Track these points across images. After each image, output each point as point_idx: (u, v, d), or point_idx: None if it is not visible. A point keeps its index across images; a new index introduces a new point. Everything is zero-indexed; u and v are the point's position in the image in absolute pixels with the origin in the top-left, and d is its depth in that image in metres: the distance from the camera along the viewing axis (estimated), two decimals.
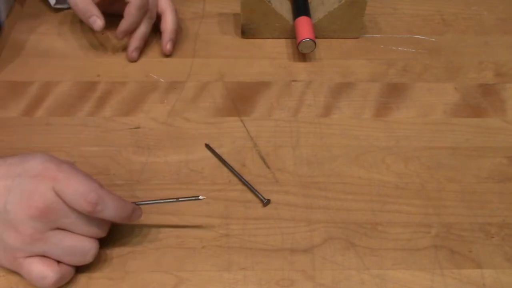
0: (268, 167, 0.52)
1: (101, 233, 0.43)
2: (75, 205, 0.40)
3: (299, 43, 0.60)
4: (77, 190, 0.40)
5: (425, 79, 0.61)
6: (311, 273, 0.45)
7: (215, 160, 0.53)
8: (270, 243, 0.47)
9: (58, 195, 0.40)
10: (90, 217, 0.42)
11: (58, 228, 0.41)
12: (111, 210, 0.41)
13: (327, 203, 0.50)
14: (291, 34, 0.64)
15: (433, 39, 0.66)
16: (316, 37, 0.61)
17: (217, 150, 0.53)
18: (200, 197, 0.46)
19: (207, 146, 0.53)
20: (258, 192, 0.50)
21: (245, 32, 0.65)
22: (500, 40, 0.67)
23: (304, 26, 0.61)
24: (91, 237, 0.43)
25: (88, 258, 0.43)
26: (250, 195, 0.50)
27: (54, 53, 0.62)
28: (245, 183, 0.50)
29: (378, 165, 0.53)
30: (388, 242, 0.47)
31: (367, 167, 0.53)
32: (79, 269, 0.44)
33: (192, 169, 0.52)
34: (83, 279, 0.44)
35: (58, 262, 0.42)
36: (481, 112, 0.58)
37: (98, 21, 0.58)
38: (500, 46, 0.66)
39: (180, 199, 0.47)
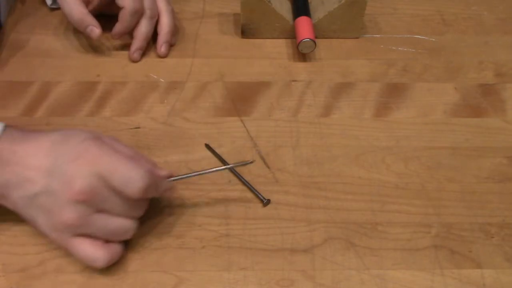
0: (268, 167, 0.52)
1: (141, 213, 0.45)
2: (122, 190, 0.41)
3: (299, 43, 0.60)
4: (125, 176, 0.41)
5: (425, 79, 0.61)
6: (311, 273, 0.45)
7: (215, 160, 0.53)
8: (270, 243, 0.47)
9: (103, 179, 0.40)
10: (130, 199, 0.42)
11: (101, 210, 0.42)
12: (157, 190, 0.44)
13: (327, 203, 0.50)
14: (291, 34, 0.64)
15: (433, 39, 0.66)
16: (316, 37, 0.61)
17: (217, 150, 0.53)
18: (250, 161, 0.47)
19: (207, 146, 0.53)
20: (258, 192, 0.50)
21: (245, 32, 0.65)
22: (500, 40, 0.67)
23: (304, 26, 0.61)
24: (132, 217, 0.44)
25: (129, 236, 0.44)
26: (250, 195, 0.50)
27: (54, 53, 0.62)
28: (245, 183, 0.50)
29: (378, 165, 0.53)
30: (388, 242, 0.47)
31: (367, 167, 0.53)
32: (79, 269, 0.44)
33: (192, 169, 0.52)
34: (83, 279, 0.44)
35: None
36: (481, 112, 0.58)
37: (95, 30, 0.58)
38: (500, 46, 0.66)
39: (231, 166, 0.48)
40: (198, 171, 0.47)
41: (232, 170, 0.51)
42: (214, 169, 0.47)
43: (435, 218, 0.49)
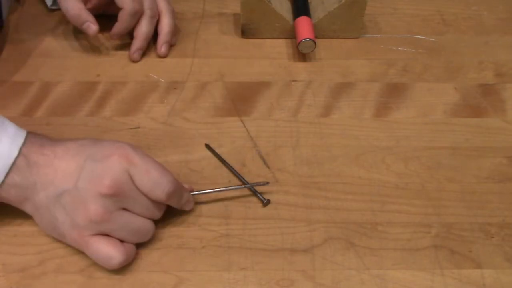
0: (268, 167, 0.52)
1: (159, 215, 0.45)
2: (149, 192, 0.42)
3: (299, 43, 0.60)
4: (155, 179, 0.42)
5: (425, 79, 0.61)
6: (311, 273, 0.45)
7: (215, 160, 0.53)
8: (270, 243, 0.47)
9: (131, 178, 0.42)
10: (153, 201, 0.43)
11: (124, 209, 0.43)
12: (178, 200, 0.45)
13: (327, 203, 0.50)
14: (291, 34, 0.64)
15: (433, 39, 0.66)
16: (316, 37, 0.61)
17: (217, 150, 0.53)
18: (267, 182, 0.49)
19: (207, 146, 0.53)
20: (258, 192, 0.50)
21: (245, 32, 0.65)
22: (500, 40, 0.67)
23: (304, 26, 0.61)
24: (151, 218, 0.45)
25: (149, 237, 0.45)
26: (250, 195, 0.50)
27: (54, 53, 0.62)
28: (245, 183, 0.50)
29: (378, 165, 0.53)
30: (388, 242, 0.47)
31: (367, 167, 0.53)
32: (80, 269, 0.44)
33: (192, 169, 0.52)
34: (83, 279, 0.44)
35: (121, 241, 0.43)
36: (481, 112, 0.58)
37: (92, 26, 0.58)
38: (500, 46, 0.66)
39: (250, 185, 0.49)
40: (217, 188, 0.49)
41: (232, 170, 0.51)
42: (233, 187, 0.49)
43: (435, 218, 0.49)
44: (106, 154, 0.42)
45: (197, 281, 0.44)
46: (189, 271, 0.45)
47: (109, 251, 0.42)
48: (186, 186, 0.47)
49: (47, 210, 0.42)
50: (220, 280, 0.45)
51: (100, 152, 0.42)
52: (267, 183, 0.50)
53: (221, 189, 0.49)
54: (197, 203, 0.49)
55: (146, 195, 0.43)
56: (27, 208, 0.44)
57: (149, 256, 0.46)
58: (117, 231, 0.43)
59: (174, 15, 0.63)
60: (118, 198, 0.41)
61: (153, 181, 0.42)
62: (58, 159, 0.42)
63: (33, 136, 0.43)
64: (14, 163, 0.41)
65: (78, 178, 0.41)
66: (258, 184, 0.49)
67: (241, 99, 0.58)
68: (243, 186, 0.50)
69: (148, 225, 0.45)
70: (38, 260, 0.45)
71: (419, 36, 0.67)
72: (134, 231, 0.44)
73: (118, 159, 0.41)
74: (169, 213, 0.48)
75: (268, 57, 0.63)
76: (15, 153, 0.41)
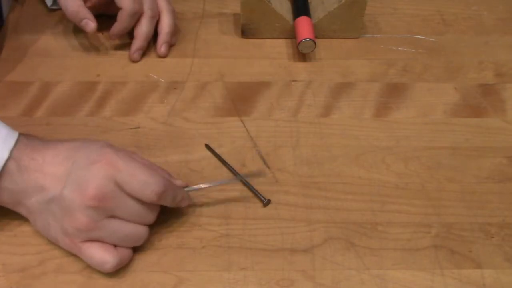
0: (268, 167, 0.52)
1: (152, 220, 0.45)
2: (139, 195, 0.42)
3: (299, 43, 0.60)
4: (143, 181, 0.41)
5: (425, 79, 0.61)
6: (311, 273, 0.45)
7: (215, 160, 0.53)
8: (270, 243, 0.47)
9: (118, 184, 0.41)
10: (143, 205, 0.43)
11: (113, 216, 0.42)
12: (172, 198, 0.44)
13: (327, 203, 0.50)
14: (291, 34, 0.64)
15: (433, 39, 0.66)
16: (316, 37, 0.61)
17: (217, 150, 0.53)
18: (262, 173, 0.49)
19: (207, 146, 0.53)
20: (258, 192, 0.50)
21: (245, 32, 0.65)
22: (500, 40, 0.67)
23: (304, 26, 0.61)
24: (143, 223, 0.44)
25: (141, 242, 0.45)
26: (250, 195, 0.50)
27: (54, 53, 0.62)
28: (245, 183, 0.50)
29: (378, 165, 0.53)
30: (388, 242, 0.47)
31: (367, 167, 0.53)
32: (80, 269, 0.44)
33: (192, 169, 0.52)
34: (83, 279, 0.44)
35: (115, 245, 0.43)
36: (481, 112, 0.58)
37: (90, 24, 0.58)
38: (500, 46, 0.66)
39: (244, 176, 0.49)
40: (211, 183, 0.48)
41: (232, 170, 0.51)
42: (227, 180, 0.49)
43: (435, 218, 0.49)
44: (91, 161, 0.41)
45: (197, 281, 0.44)
46: (189, 271, 0.45)
47: (103, 256, 0.42)
48: (179, 182, 0.47)
49: (40, 215, 0.43)
50: (220, 280, 0.45)
51: (86, 158, 0.42)
52: (262, 173, 0.49)
53: (215, 183, 0.48)
54: (197, 203, 0.49)
55: (137, 199, 0.42)
56: (22, 211, 0.44)
57: (149, 256, 0.46)
58: (107, 238, 0.42)
59: (174, 15, 0.63)
60: (103, 208, 0.41)
61: (141, 184, 0.41)
62: (46, 163, 0.42)
63: (25, 138, 0.43)
64: (4, 167, 0.41)
65: (64, 185, 0.41)
66: (252, 175, 0.49)
67: (241, 99, 0.58)
68: (237, 178, 0.49)
69: (140, 230, 0.44)
70: (38, 260, 0.45)
71: (419, 36, 0.67)
72: (124, 237, 0.43)
73: (102, 166, 0.41)
74: (169, 213, 0.48)
75: (268, 57, 0.63)
76: (5, 155, 0.41)
